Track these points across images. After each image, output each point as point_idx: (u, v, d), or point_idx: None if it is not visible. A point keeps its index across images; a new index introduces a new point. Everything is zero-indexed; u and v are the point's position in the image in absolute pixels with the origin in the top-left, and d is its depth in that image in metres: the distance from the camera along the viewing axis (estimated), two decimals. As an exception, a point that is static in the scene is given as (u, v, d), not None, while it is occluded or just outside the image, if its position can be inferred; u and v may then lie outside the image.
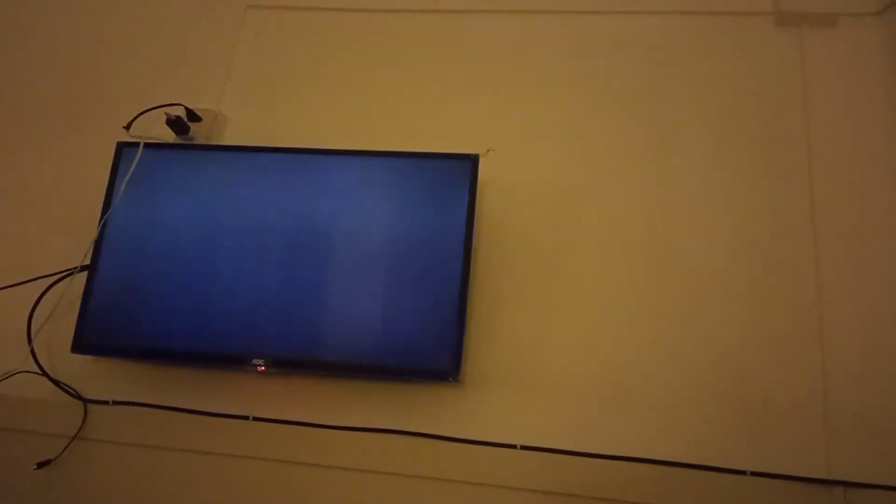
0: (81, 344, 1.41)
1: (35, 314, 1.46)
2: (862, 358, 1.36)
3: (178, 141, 1.62)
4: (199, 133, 1.64)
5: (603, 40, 1.66)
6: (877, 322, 1.38)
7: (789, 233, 1.46)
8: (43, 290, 1.47)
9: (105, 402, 1.45)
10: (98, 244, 1.46)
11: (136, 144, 1.52)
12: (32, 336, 1.44)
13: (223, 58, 1.75)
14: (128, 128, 1.55)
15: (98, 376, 1.47)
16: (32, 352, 1.43)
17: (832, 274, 1.42)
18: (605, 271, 1.46)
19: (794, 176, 1.50)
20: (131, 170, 1.49)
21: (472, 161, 1.43)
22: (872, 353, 1.36)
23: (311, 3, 1.79)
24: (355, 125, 1.64)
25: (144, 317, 1.41)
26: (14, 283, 1.49)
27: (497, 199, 1.53)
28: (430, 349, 1.33)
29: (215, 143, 1.64)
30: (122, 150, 1.53)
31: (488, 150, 1.46)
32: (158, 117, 1.59)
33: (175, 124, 1.59)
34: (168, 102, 1.60)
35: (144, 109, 1.57)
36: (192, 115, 1.63)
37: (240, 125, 1.68)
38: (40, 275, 1.49)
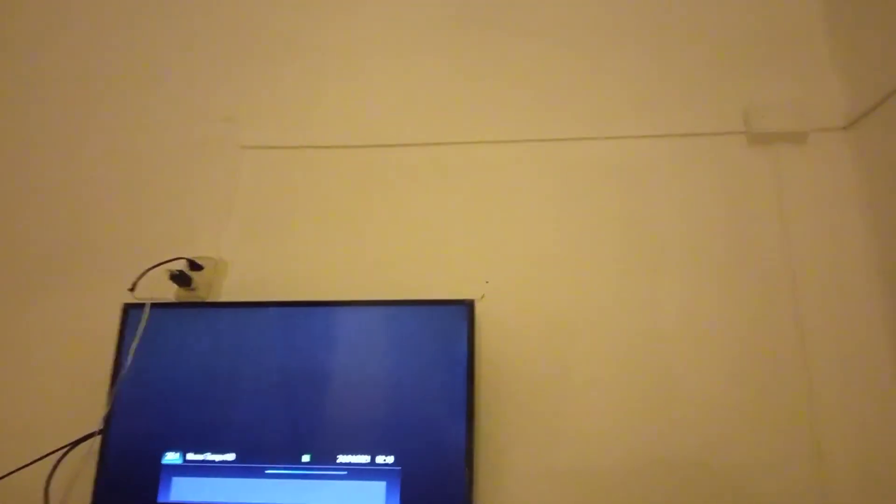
0: (98, 514, 1.44)
1: (51, 485, 1.49)
2: (861, 476, 1.39)
3: (183, 293, 1.67)
4: (201, 282, 1.68)
5: (581, 167, 1.72)
6: (873, 440, 1.42)
7: (778, 347, 1.51)
8: (56, 460, 1.50)
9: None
10: (109, 410, 1.50)
11: (142, 305, 1.56)
12: (51, 511, 1.47)
13: (220, 201, 1.81)
14: (132, 289, 1.59)
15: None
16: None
17: (823, 384, 1.47)
18: (604, 403, 1.50)
19: (778, 289, 1.56)
20: (139, 332, 1.54)
21: (467, 307, 1.48)
22: (872, 474, 1.39)
23: (302, 142, 1.86)
24: (351, 264, 1.69)
25: (157, 480, 1.44)
26: (28, 458, 1.50)
27: (491, 334, 1.56)
28: None
29: (217, 290, 1.69)
30: (129, 311, 1.58)
31: (483, 296, 1.51)
32: (161, 270, 1.64)
33: (178, 279, 1.64)
34: (169, 257, 1.64)
35: (147, 268, 1.61)
36: (194, 265, 1.68)
37: (240, 268, 1.73)
38: (51, 443, 1.51)
